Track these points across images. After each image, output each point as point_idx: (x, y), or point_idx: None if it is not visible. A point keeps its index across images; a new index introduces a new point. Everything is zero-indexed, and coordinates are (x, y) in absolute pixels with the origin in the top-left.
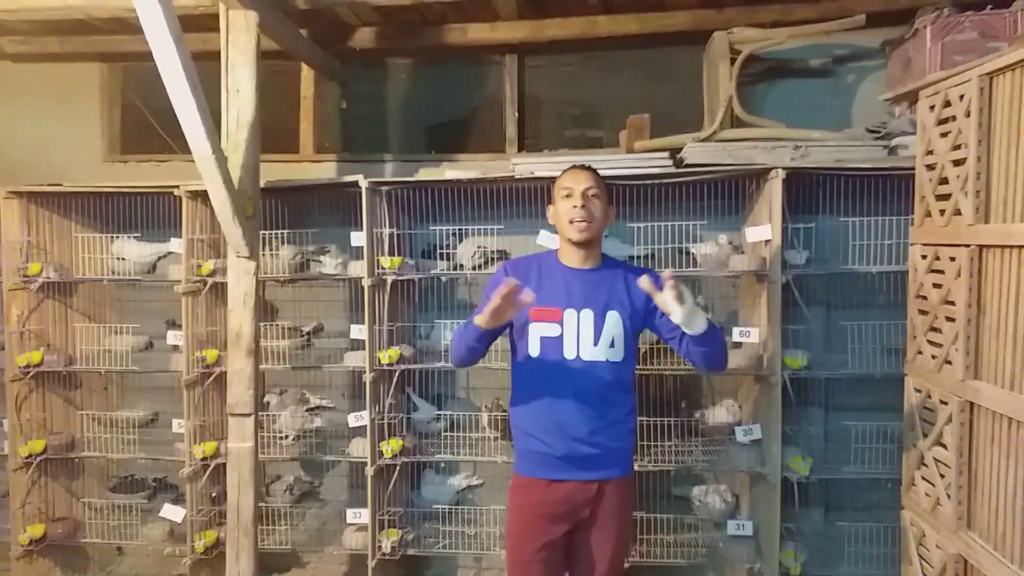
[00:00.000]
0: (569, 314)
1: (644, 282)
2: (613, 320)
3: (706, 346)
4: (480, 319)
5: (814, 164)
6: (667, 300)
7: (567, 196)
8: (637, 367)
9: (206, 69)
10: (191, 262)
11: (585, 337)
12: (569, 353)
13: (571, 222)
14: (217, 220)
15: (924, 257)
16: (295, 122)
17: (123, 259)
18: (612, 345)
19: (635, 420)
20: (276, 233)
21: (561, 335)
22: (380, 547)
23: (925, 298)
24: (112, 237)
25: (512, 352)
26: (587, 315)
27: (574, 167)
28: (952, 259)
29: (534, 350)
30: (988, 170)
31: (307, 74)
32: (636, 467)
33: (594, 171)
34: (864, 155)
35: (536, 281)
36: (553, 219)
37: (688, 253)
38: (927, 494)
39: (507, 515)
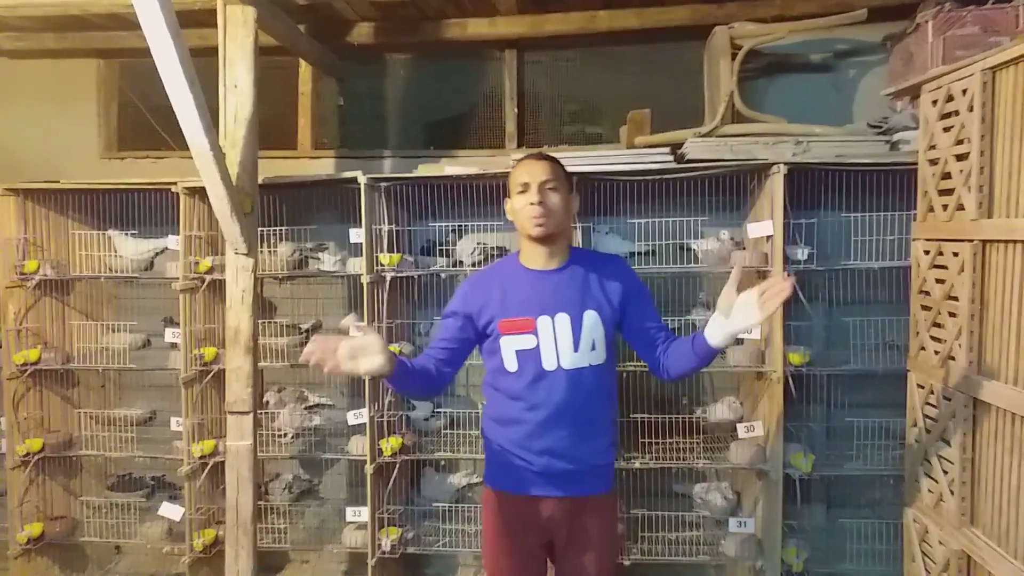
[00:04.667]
0: (543, 321)
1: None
2: (591, 321)
3: (701, 363)
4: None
5: (815, 159)
6: (752, 303)
7: (522, 191)
8: (637, 365)
9: (204, 65)
10: (189, 259)
11: (564, 344)
12: (549, 364)
13: (529, 218)
14: (215, 217)
15: (927, 252)
16: (293, 118)
17: (120, 255)
18: (593, 348)
19: (616, 432)
20: (274, 230)
21: (537, 345)
22: (380, 545)
23: (928, 294)
24: (109, 234)
25: (488, 369)
26: (563, 320)
27: (529, 157)
28: (955, 254)
29: (511, 365)
30: (991, 164)
31: (305, 70)
32: (638, 464)
33: (551, 160)
34: (866, 150)
35: (500, 293)
36: (511, 215)
37: (689, 249)
38: (930, 490)
39: (481, 531)
